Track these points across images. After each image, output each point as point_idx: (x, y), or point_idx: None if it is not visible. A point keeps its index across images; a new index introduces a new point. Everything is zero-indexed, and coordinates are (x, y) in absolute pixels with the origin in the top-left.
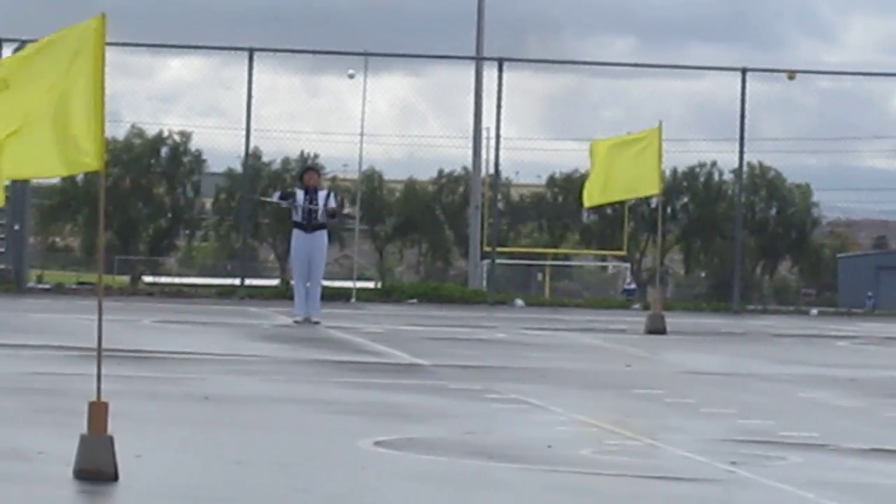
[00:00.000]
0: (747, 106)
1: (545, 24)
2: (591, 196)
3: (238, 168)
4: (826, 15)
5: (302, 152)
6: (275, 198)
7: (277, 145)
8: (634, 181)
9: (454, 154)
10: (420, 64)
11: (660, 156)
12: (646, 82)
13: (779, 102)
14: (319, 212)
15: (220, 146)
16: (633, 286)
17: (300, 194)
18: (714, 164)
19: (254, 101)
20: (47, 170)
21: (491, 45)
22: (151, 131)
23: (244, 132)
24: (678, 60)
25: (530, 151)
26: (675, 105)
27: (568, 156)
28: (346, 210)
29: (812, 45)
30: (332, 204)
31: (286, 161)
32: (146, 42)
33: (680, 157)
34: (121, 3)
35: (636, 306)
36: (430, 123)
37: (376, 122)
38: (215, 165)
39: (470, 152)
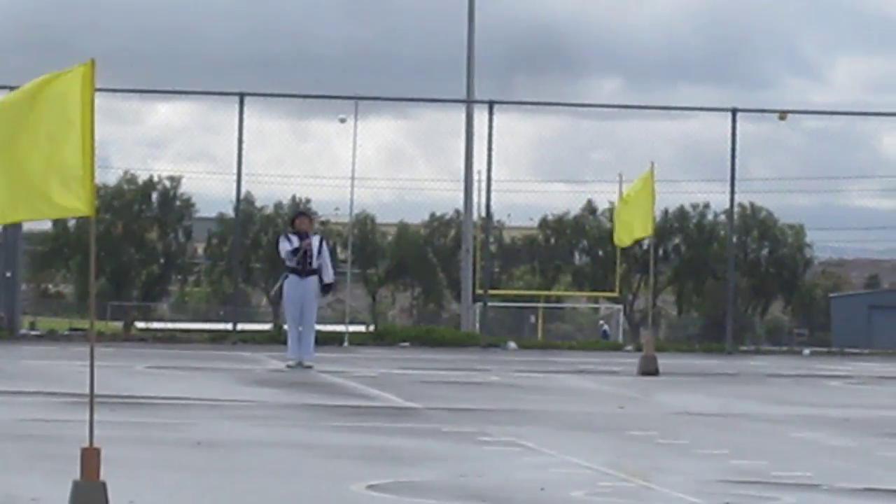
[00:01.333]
0: (737, 146)
1: (532, 66)
2: (619, 238)
3: (229, 212)
4: (812, 55)
5: (293, 197)
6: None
7: (267, 190)
8: (634, 225)
9: (444, 197)
10: (408, 107)
11: (653, 198)
12: (634, 123)
13: (767, 143)
14: (314, 258)
15: (209, 191)
16: (605, 328)
17: (294, 240)
18: (707, 205)
19: (244, 145)
20: (37, 213)
21: (479, 88)
22: (141, 177)
23: (234, 177)
24: (666, 101)
25: (519, 194)
26: (663, 146)
27: (557, 197)
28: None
29: (799, 84)
30: (327, 261)
31: (278, 205)
32: (134, 88)
33: (670, 198)
34: (105, 48)
35: (628, 348)
36: (419, 167)
37: (365, 165)
38: (206, 210)
39: (460, 195)
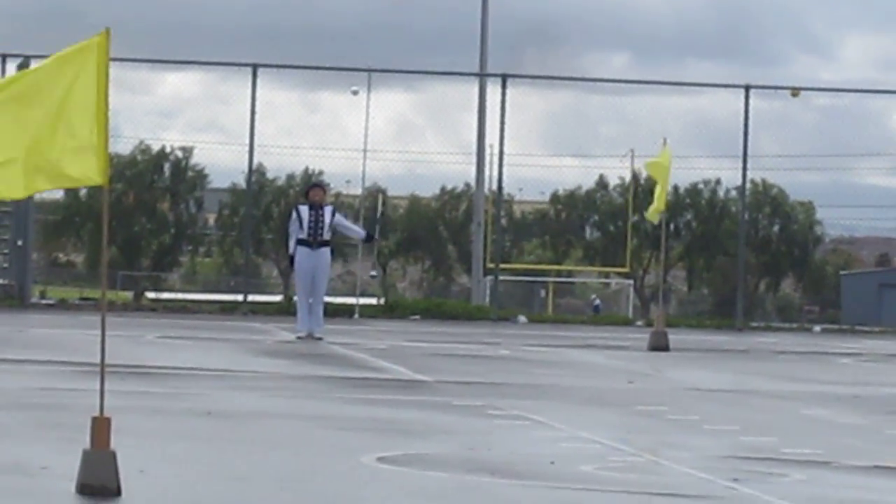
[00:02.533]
0: (749, 123)
1: (540, 40)
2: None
3: (241, 183)
4: (822, 32)
5: (306, 168)
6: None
7: (276, 161)
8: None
9: (454, 170)
10: (418, 80)
11: (668, 174)
12: (643, 99)
13: (777, 119)
14: (325, 229)
15: (220, 162)
16: (598, 302)
17: (304, 210)
18: (718, 181)
19: (255, 116)
20: (52, 184)
21: (490, 62)
22: (154, 147)
23: (244, 148)
24: (674, 77)
25: (530, 168)
26: (673, 121)
27: (567, 172)
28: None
29: (808, 61)
30: (342, 220)
31: (291, 177)
32: (145, 58)
33: (679, 174)
34: (116, 17)
35: (639, 323)
36: (428, 140)
37: (375, 138)
38: (216, 181)
39: (471, 168)
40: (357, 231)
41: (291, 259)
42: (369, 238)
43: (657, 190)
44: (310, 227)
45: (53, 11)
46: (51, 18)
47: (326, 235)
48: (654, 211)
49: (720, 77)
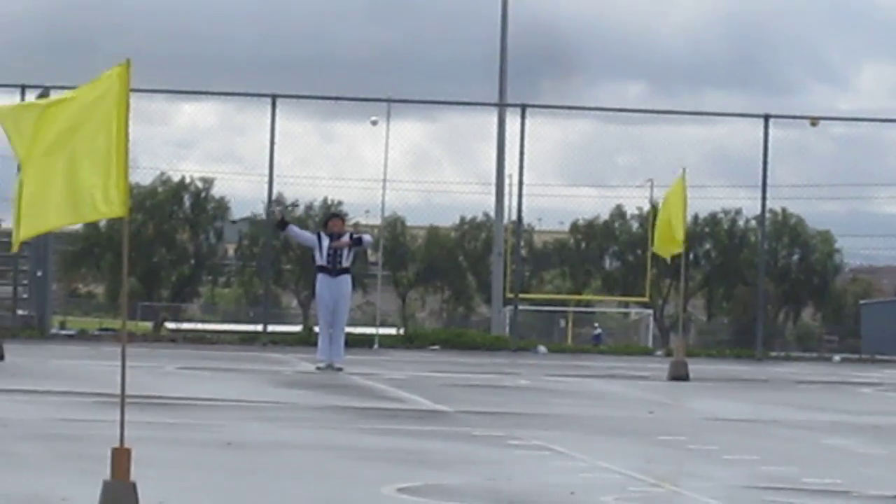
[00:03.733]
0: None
1: (556, 70)
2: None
3: (261, 213)
4: (838, 61)
5: (325, 199)
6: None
7: (294, 191)
8: (674, 237)
9: (471, 200)
10: (434, 110)
11: (685, 203)
12: (659, 128)
13: (795, 149)
14: (344, 257)
15: (237, 192)
16: (599, 331)
17: (325, 240)
18: (738, 211)
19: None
20: (71, 218)
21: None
22: (174, 177)
23: (261, 178)
24: (690, 106)
25: (547, 198)
26: (689, 151)
27: (584, 202)
28: (366, 239)
29: (824, 91)
30: (361, 241)
31: (309, 207)
32: (161, 88)
33: (696, 204)
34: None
35: (659, 353)
36: (445, 170)
37: (392, 168)
38: (235, 211)
39: (489, 198)
40: (366, 241)
41: (285, 225)
42: (358, 242)
43: (665, 223)
44: (329, 256)
45: (71, 43)
46: (68, 49)
47: (346, 263)
48: (668, 244)
49: (736, 107)
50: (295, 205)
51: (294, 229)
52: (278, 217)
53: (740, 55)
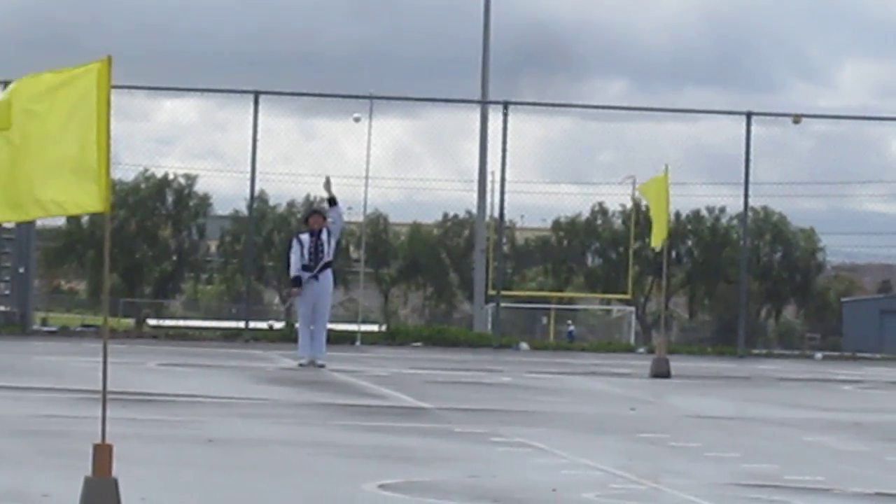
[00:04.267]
0: (743, 150)
1: (537, 67)
2: (657, 236)
3: (243, 210)
4: (818, 59)
5: (308, 195)
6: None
7: (275, 187)
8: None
9: (453, 197)
10: (416, 107)
11: (667, 201)
12: (640, 125)
13: (775, 146)
14: (325, 252)
15: (218, 189)
16: (572, 328)
17: (305, 238)
18: (722, 209)
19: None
20: (52, 210)
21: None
22: (156, 174)
23: (243, 175)
24: (671, 103)
25: (529, 195)
26: (670, 148)
27: (566, 199)
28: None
29: (805, 88)
30: (335, 223)
31: (291, 204)
32: (140, 85)
33: (678, 201)
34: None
35: (641, 350)
36: (426, 166)
37: (373, 164)
38: (217, 208)
39: (470, 195)
40: (338, 214)
41: (297, 279)
42: (333, 202)
43: (655, 215)
44: (311, 253)
45: (50, 38)
46: (47, 45)
47: (329, 256)
48: (658, 237)
49: (717, 104)
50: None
51: (337, 210)
52: (329, 193)
53: (721, 53)
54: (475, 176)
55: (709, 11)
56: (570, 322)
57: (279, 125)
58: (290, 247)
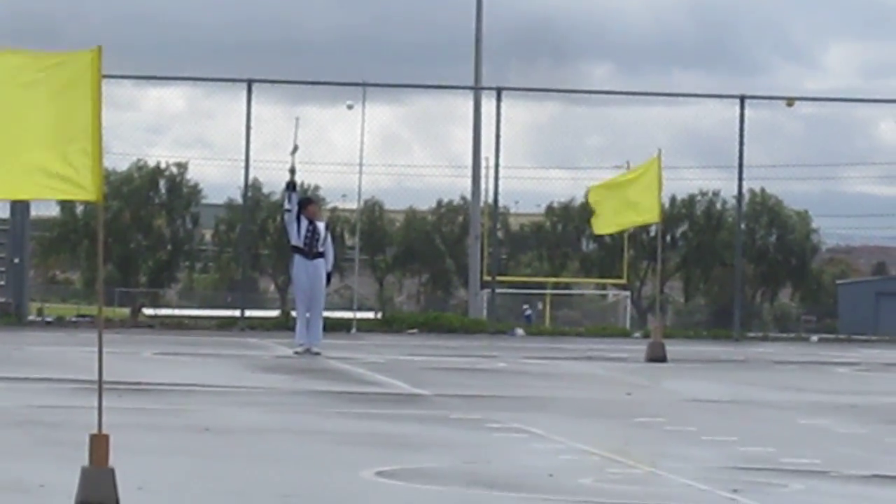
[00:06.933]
0: (735, 133)
1: (522, 52)
2: (599, 226)
3: (237, 199)
4: (804, 41)
5: (302, 183)
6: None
7: (265, 175)
8: (634, 210)
9: (444, 183)
10: (405, 93)
11: (660, 184)
12: (627, 109)
13: (764, 129)
14: (320, 242)
15: (208, 177)
16: (529, 312)
17: (303, 222)
18: (717, 193)
19: (241, 132)
20: (45, 193)
21: (470, 76)
22: (148, 162)
23: (232, 163)
24: (658, 87)
25: (520, 180)
26: (658, 132)
27: (556, 184)
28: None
29: (792, 70)
30: (330, 250)
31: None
32: (128, 74)
33: (668, 185)
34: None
35: (636, 334)
36: (415, 153)
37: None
38: (210, 196)
39: (461, 181)
40: (329, 261)
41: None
42: (326, 278)
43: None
44: (306, 239)
45: (34, 30)
46: (32, 36)
47: (321, 248)
48: (606, 224)
49: (704, 87)
50: (297, 148)
51: (293, 196)
52: (291, 178)
53: (706, 36)
54: (466, 162)
55: None
56: (526, 306)
57: (267, 113)
58: (287, 219)
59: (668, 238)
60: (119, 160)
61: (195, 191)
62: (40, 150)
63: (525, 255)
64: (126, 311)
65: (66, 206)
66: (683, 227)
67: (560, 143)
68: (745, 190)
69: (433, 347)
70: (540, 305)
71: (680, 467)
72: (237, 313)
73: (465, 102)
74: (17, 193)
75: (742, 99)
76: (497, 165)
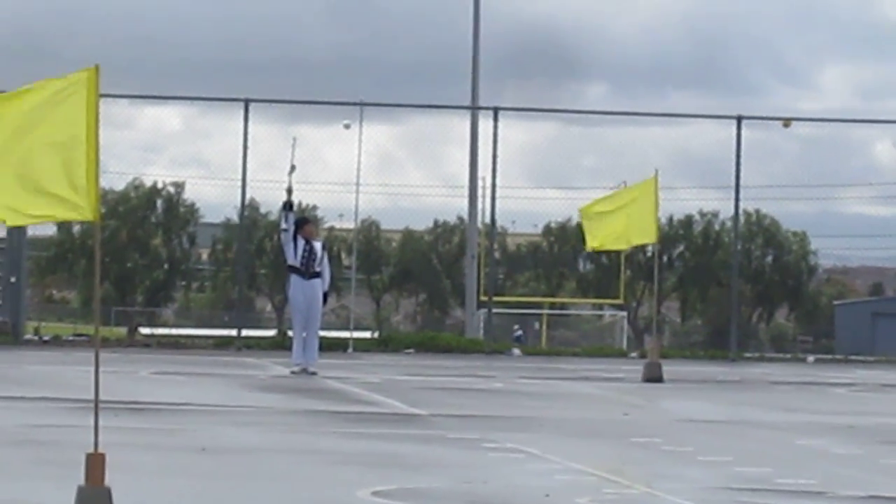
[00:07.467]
0: (731, 154)
1: (517, 72)
2: (591, 241)
3: (233, 218)
4: (799, 62)
5: (299, 203)
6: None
7: (261, 195)
8: (631, 231)
9: (439, 203)
10: (401, 113)
11: (656, 205)
12: (621, 130)
13: (760, 150)
14: (316, 261)
15: (204, 197)
16: (520, 332)
17: (300, 242)
18: (716, 214)
19: (237, 151)
20: (41, 217)
21: (465, 95)
22: (138, 182)
23: (228, 182)
24: (652, 108)
25: (516, 200)
26: (654, 152)
27: (552, 204)
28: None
29: (788, 91)
30: (326, 270)
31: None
32: (123, 94)
33: (664, 205)
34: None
35: (633, 355)
36: (410, 172)
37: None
38: (207, 216)
39: (458, 201)
40: (326, 281)
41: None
42: (323, 299)
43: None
44: (303, 258)
45: (32, 48)
46: (30, 55)
47: (318, 268)
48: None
49: (699, 108)
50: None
51: (290, 216)
52: (288, 198)
53: (701, 56)
54: (462, 181)
55: (687, 15)
56: (517, 326)
57: (262, 132)
58: (283, 239)
59: (665, 258)
60: (116, 179)
61: (192, 210)
62: (40, 176)
63: (522, 275)
64: (123, 330)
65: (62, 225)
66: (680, 248)
67: (556, 164)
68: (741, 210)
69: (430, 367)
70: (537, 325)
71: (676, 488)
72: (234, 333)
73: (462, 122)
74: (18, 220)
75: (739, 119)
76: (494, 185)
